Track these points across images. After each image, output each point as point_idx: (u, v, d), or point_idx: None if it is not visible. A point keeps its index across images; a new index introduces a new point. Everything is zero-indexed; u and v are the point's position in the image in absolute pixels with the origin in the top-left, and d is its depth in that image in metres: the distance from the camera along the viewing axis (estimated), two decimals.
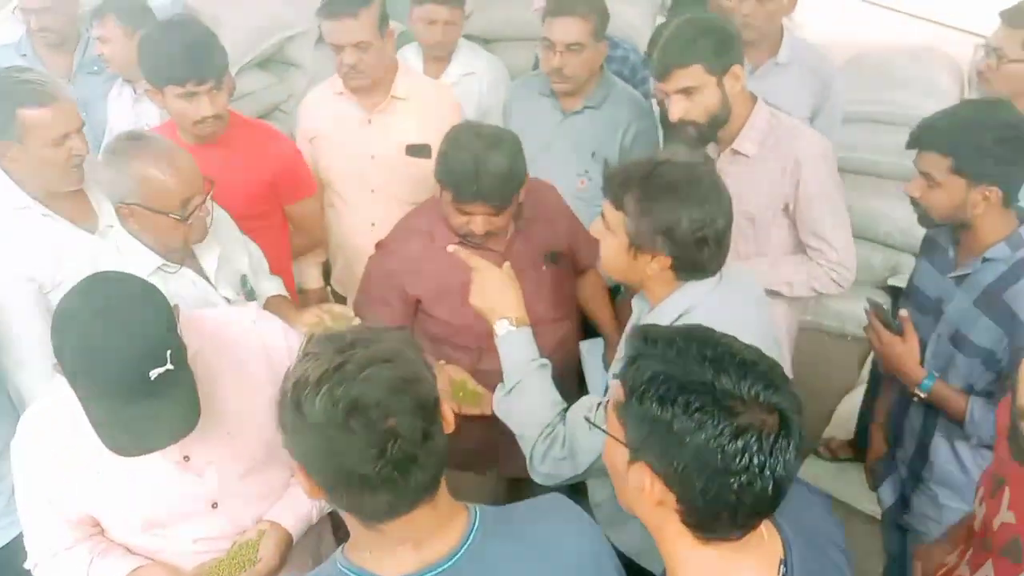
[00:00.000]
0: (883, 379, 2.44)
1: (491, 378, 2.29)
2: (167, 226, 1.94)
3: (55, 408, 1.58)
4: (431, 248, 2.23)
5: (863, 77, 3.92)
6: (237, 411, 1.64)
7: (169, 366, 1.41)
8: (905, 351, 2.07)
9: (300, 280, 2.95)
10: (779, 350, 1.86)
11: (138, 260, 1.96)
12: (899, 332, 2.09)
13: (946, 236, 2.10)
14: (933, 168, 1.92)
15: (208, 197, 1.99)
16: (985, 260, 1.95)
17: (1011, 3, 2.62)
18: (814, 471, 3.39)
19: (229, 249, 2.18)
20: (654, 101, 3.14)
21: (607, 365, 2.64)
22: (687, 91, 2.21)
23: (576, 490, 1.95)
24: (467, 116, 3.04)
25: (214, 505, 1.66)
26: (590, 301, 2.63)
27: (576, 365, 2.56)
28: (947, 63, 3.99)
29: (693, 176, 1.65)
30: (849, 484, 3.23)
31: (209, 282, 2.10)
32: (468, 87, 3.34)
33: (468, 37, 3.62)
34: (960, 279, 2.02)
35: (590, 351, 2.53)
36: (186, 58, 2.30)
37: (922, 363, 2.07)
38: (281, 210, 2.75)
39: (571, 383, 2.52)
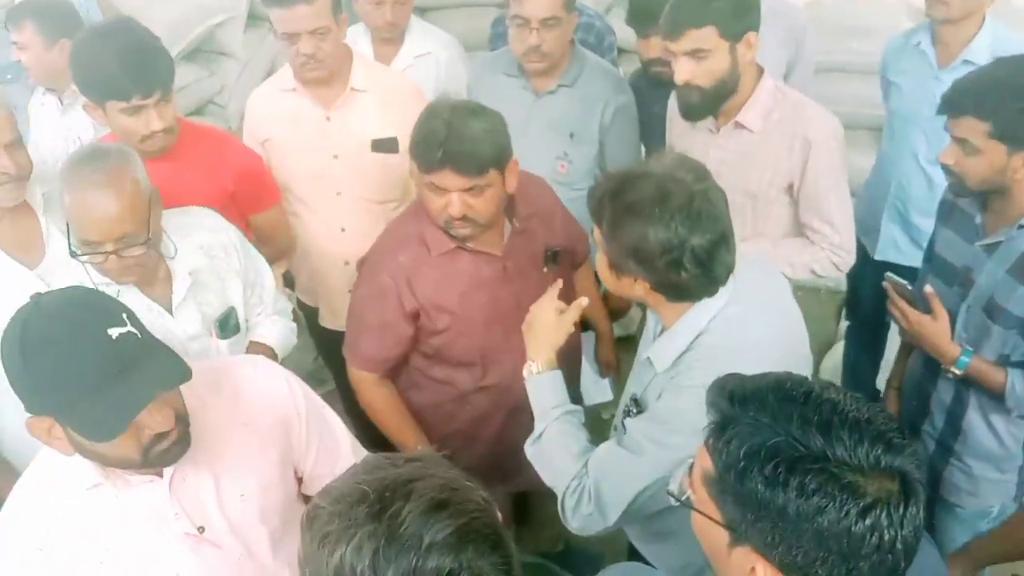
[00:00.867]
0: (901, 347, 2.36)
1: (496, 394, 2.16)
2: (97, 259, 1.77)
3: (40, 491, 1.38)
4: (425, 254, 2.04)
5: (823, 26, 3.81)
6: (248, 471, 1.47)
7: (130, 328, 1.27)
8: (936, 329, 1.98)
9: None
10: (810, 362, 1.76)
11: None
12: (925, 309, 2.00)
13: (971, 202, 2.00)
14: (970, 134, 1.81)
15: (145, 240, 1.78)
16: (1021, 227, 1.86)
17: None
18: None
19: (214, 281, 1.99)
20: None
21: (598, 359, 2.60)
22: (696, 53, 2.05)
23: None
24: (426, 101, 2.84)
25: None
26: (582, 294, 2.47)
27: (580, 364, 2.43)
28: (904, 5, 3.91)
29: (663, 192, 1.48)
30: None
31: (169, 311, 1.92)
32: (424, 69, 3.10)
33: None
34: (990, 247, 1.93)
35: (582, 347, 2.41)
36: (129, 70, 2.04)
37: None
38: (243, 221, 2.51)
39: (576, 381, 2.39)
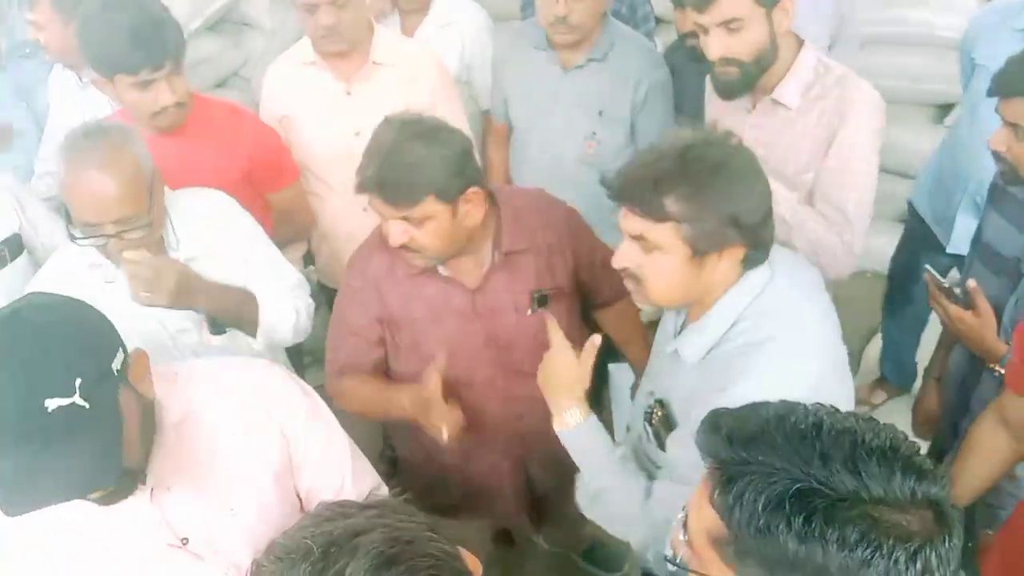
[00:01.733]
0: (944, 335, 2.23)
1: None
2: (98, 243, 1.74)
3: None
4: (391, 270, 1.91)
5: None
6: (242, 483, 1.37)
7: (78, 400, 1.09)
8: (979, 325, 1.86)
9: None
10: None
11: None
12: (966, 304, 1.88)
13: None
14: (1023, 118, 1.67)
15: (148, 222, 1.73)
16: None
17: None
18: None
19: (213, 275, 1.89)
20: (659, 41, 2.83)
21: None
22: (731, 24, 1.89)
23: None
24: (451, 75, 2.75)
25: None
26: (621, 332, 2.24)
27: None
28: None
29: (730, 149, 1.43)
30: None
31: None
32: (447, 40, 3.00)
33: None
34: None
35: (619, 377, 2.28)
36: (136, 42, 1.97)
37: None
38: (261, 200, 2.44)
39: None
